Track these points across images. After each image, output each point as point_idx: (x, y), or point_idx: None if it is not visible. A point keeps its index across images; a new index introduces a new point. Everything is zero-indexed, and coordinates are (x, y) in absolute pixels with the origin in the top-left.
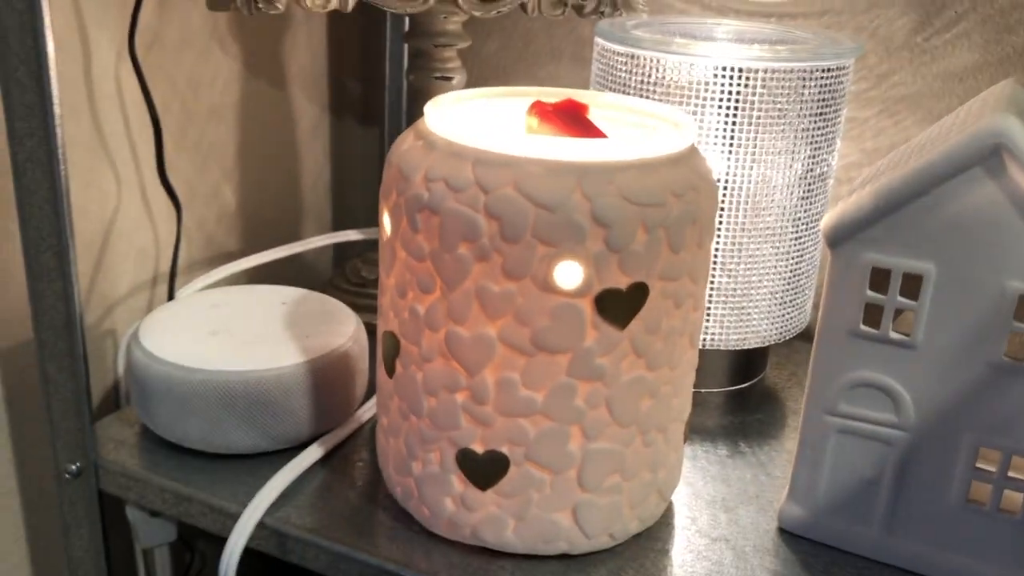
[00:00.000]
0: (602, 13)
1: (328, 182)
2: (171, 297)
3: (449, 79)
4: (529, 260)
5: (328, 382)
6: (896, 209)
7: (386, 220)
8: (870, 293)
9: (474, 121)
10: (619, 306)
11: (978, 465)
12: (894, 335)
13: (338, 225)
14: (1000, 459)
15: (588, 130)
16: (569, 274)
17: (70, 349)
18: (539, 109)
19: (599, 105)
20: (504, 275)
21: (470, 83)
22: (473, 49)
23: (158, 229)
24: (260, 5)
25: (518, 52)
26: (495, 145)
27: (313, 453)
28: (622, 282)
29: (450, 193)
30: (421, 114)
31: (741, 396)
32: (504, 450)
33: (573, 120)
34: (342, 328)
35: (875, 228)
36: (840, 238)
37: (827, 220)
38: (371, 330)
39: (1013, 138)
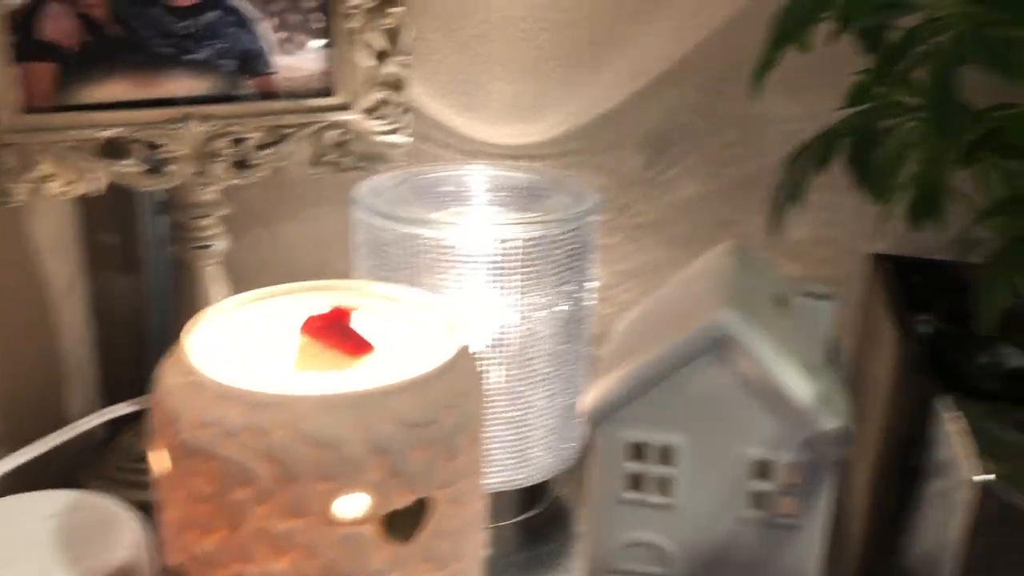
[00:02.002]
0: (360, 167)
1: (90, 342)
2: None
3: (209, 247)
4: (310, 498)
5: None
6: (644, 392)
7: (157, 458)
8: (632, 464)
9: (243, 341)
10: (404, 525)
11: None
12: (656, 499)
13: (105, 385)
14: None
15: (357, 343)
16: (351, 505)
17: None
18: (310, 327)
19: (369, 296)
20: (287, 514)
21: (234, 231)
22: (233, 196)
23: None
24: None
25: (278, 197)
26: (266, 385)
27: None
28: (404, 501)
29: (223, 439)
30: (186, 277)
31: (533, 523)
32: None
33: (342, 334)
34: (120, 538)
35: (628, 409)
36: (599, 419)
37: (587, 404)
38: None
39: (732, 331)
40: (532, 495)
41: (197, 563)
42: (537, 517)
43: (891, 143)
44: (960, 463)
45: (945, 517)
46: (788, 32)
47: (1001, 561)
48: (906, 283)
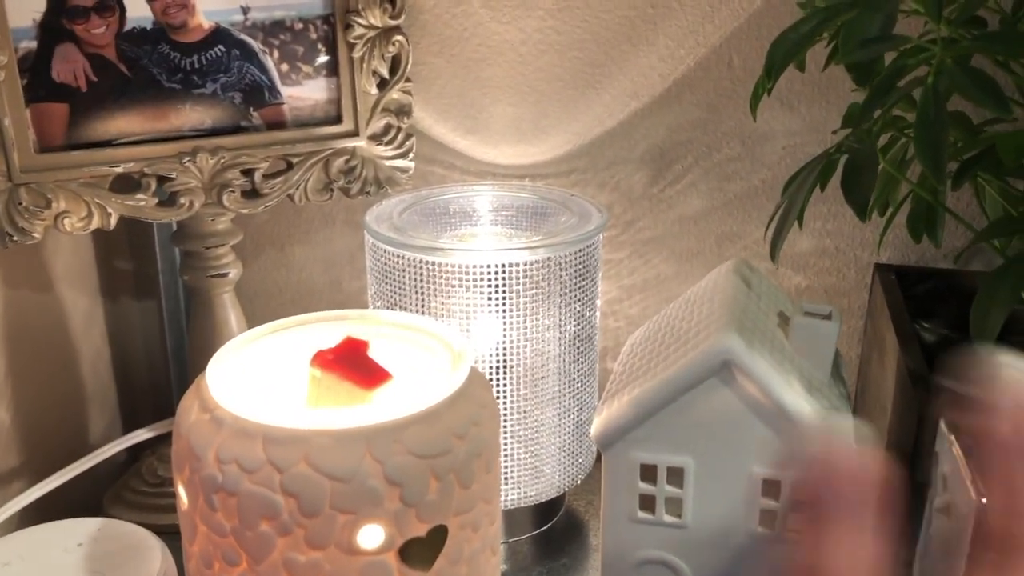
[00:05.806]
0: (368, 192)
1: (110, 368)
2: None
3: (224, 275)
4: (330, 530)
5: None
6: (652, 414)
7: (182, 492)
8: (642, 485)
9: (260, 374)
10: (422, 552)
11: None
12: (667, 519)
13: (125, 408)
14: None
15: (371, 372)
16: (371, 536)
17: None
18: (321, 360)
19: (379, 324)
20: (308, 545)
21: (246, 254)
22: (245, 220)
23: None
24: (15, 238)
25: (290, 220)
26: (283, 419)
27: None
28: (421, 530)
29: (244, 475)
30: (200, 305)
31: (546, 537)
32: None
33: (354, 364)
34: (147, 566)
35: (637, 431)
36: (608, 442)
37: (595, 428)
38: (177, 531)
39: (737, 354)
40: (545, 509)
41: None
42: (551, 531)
43: (885, 160)
44: (959, 482)
45: (949, 531)
46: (783, 60)
47: None
48: (909, 293)
